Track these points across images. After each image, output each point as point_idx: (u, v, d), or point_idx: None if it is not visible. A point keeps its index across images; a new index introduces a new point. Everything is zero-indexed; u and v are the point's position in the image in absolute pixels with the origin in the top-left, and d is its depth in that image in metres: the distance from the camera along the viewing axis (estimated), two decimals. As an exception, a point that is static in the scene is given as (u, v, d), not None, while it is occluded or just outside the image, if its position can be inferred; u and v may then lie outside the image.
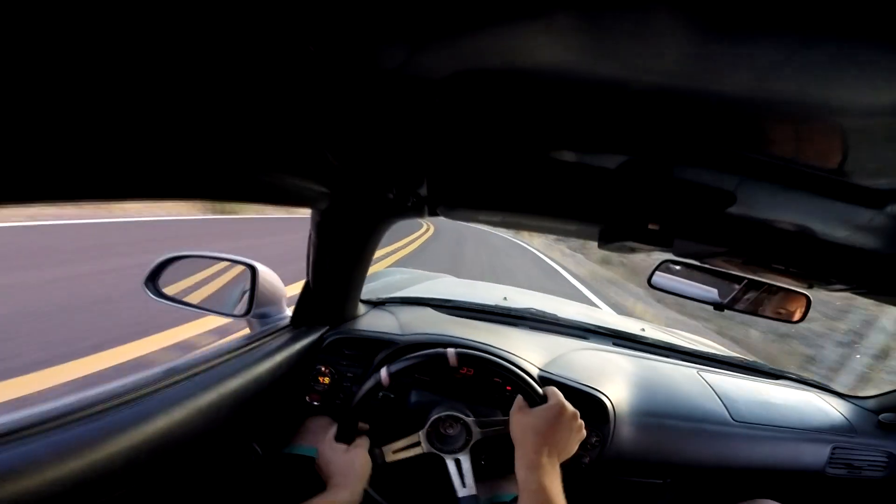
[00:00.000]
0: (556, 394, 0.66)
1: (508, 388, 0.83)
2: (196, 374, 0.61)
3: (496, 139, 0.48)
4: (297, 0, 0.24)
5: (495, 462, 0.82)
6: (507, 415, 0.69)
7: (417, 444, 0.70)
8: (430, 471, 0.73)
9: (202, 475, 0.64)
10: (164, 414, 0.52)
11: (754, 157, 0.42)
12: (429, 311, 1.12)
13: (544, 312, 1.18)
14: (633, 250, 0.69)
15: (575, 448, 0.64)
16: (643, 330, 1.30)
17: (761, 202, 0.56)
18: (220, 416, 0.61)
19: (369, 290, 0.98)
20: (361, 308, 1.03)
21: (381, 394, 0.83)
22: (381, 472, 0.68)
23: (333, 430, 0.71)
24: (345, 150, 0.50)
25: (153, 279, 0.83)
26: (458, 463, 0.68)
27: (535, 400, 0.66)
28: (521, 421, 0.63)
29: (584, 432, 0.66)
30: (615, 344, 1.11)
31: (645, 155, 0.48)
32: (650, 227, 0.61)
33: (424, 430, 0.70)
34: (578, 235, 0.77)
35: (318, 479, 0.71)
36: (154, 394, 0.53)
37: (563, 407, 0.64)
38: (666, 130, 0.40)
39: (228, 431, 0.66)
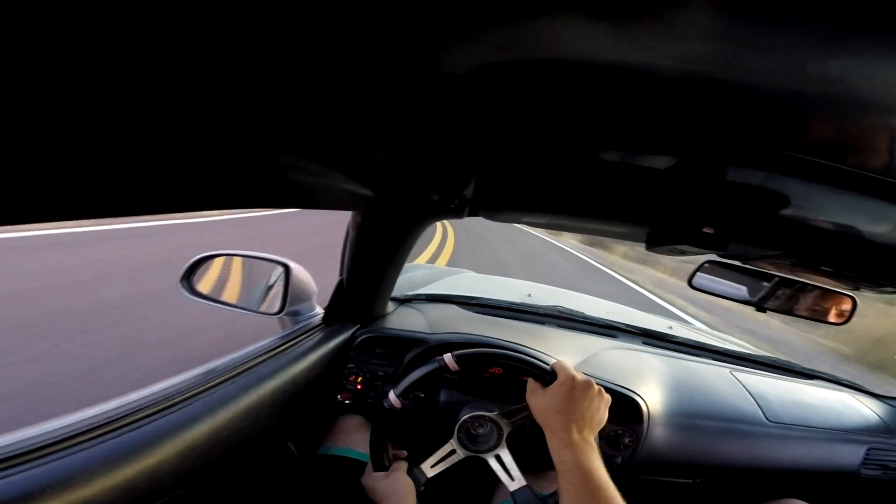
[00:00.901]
0: (563, 368, 0.63)
1: (525, 378, 0.82)
2: (237, 376, 0.61)
3: (544, 139, 0.47)
4: None
5: (533, 457, 0.82)
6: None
7: (453, 451, 0.68)
8: (467, 477, 0.73)
9: (242, 477, 0.64)
10: (209, 417, 0.52)
11: (806, 157, 0.40)
12: (455, 308, 1.11)
13: (572, 311, 1.16)
14: (682, 253, 0.67)
15: (604, 415, 0.61)
16: (671, 328, 1.28)
17: (813, 204, 0.54)
18: (260, 417, 0.61)
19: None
20: (389, 305, 1.02)
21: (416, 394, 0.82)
22: (432, 487, 0.68)
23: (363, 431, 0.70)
24: (397, 151, 0.48)
25: (188, 278, 0.82)
26: (499, 459, 0.67)
27: (545, 379, 0.64)
28: (539, 403, 0.61)
29: (607, 396, 0.62)
30: (644, 343, 1.10)
31: (695, 155, 0.46)
32: (705, 230, 0.59)
33: (455, 436, 0.69)
34: (626, 238, 0.75)
35: (349, 480, 0.71)
36: (198, 397, 0.53)
37: (573, 378, 0.61)
38: (715, 130, 0.39)
39: (268, 432, 0.66)
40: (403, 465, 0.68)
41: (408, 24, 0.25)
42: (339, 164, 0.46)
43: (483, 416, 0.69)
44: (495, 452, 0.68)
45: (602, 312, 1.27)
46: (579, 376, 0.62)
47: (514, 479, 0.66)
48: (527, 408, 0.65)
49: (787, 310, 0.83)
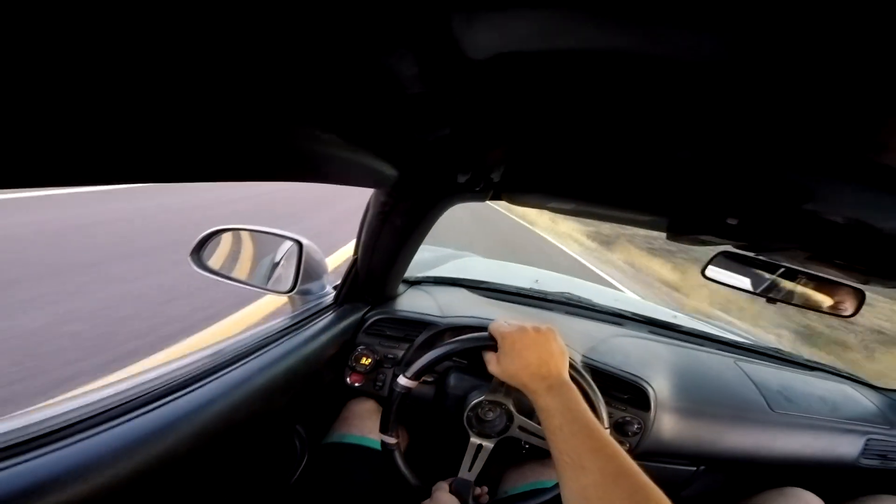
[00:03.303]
0: (496, 328, 0.60)
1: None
2: (252, 356, 0.60)
3: (573, 127, 0.46)
4: None
5: (535, 447, 0.83)
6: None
7: (480, 447, 0.67)
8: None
9: (252, 459, 0.64)
10: (224, 399, 0.51)
11: (827, 151, 0.40)
12: (464, 292, 1.11)
13: (580, 298, 1.17)
14: (704, 243, 0.67)
15: (561, 346, 0.59)
16: (675, 317, 1.30)
17: (833, 197, 0.54)
18: (274, 398, 0.61)
19: None
20: (399, 287, 1.02)
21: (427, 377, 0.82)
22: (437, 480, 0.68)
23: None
24: (430, 131, 0.47)
25: (198, 252, 0.81)
26: (522, 429, 0.67)
27: (491, 347, 0.61)
28: (500, 371, 0.58)
29: (552, 330, 0.60)
30: (651, 331, 1.11)
31: (720, 147, 0.45)
32: (729, 221, 0.59)
33: (471, 434, 0.68)
34: (648, 226, 0.75)
35: (365, 468, 0.71)
36: (213, 378, 0.52)
37: (509, 334, 0.58)
38: (740, 122, 0.38)
39: (280, 414, 0.66)
40: (444, 486, 0.66)
41: (452, 7, 0.24)
42: (369, 141, 0.45)
43: (482, 402, 0.69)
44: (515, 426, 0.67)
45: (609, 300, 1.28)
46: (512, 328, 0.59)
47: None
48: (497, 379, 0.64)
49: (795, 301, 0.84)
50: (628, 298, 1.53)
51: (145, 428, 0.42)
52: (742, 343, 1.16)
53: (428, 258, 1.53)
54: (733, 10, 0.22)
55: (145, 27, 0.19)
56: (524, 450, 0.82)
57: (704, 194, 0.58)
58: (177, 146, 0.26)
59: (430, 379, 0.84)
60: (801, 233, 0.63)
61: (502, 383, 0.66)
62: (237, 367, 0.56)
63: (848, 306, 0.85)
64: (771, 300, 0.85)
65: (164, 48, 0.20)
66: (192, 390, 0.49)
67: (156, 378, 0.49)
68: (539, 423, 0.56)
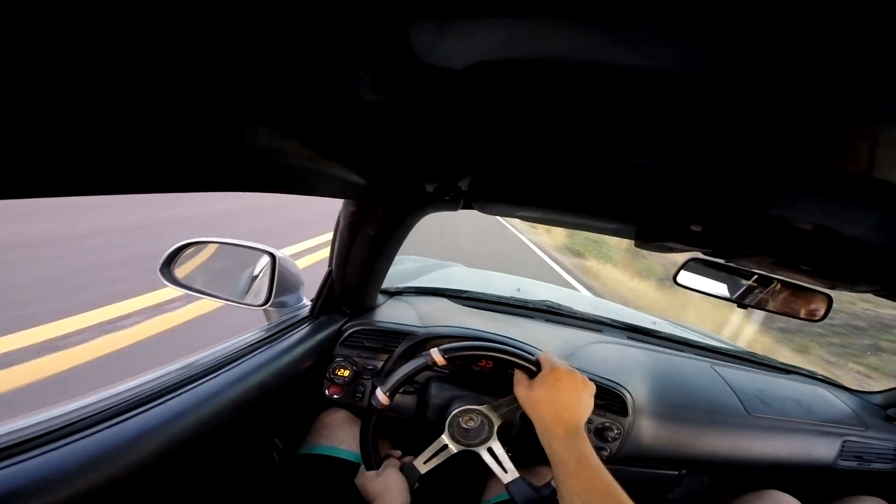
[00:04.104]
0: (548, 359, 0.64)
1: (511, 370, 0.83)
2: (222, 369, 0.60)
3: (540, 135, 0.47)
4: None
5: (527, 449, 0.83)
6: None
7: (445, 446, 0.69)
8: (460, 472, 0.73)
9: (227, 472, 0.63)
10: (194, 412, 0.51)
11: (791, 158, 0.41)
12: (446, 301, 1.10)
13: (560, 305, 1.17)
14: (671, 250, 0.68)
15: (591, 403, 0.62)
16: (654, 323, 1.31)
17: (796, 204, 0.55)
18: (246, 411, 0.60)
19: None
20: (379, 298, 1.01)
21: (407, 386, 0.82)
22: (423, 484, 0.67)
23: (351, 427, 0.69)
24: (392, 142, 0.47)
25: (168, 265, 0.80)
26: (491, 452, 0.68)
27: (531, 370, 0.64)
28: (528, 396, 0.61)
29: (591, 384, 0.63)
30: (629, 337, 1.12)
31: (686, 154, 0.46)
32: (693, 228, 0.60)
33: (445, 431, 0.69)
34: (616, 234, 0.76)
35: (337, 479, 0.70)
36: (182, 391, 0.52)
37: (558, 369, 0.61)
38: (704, 130, 0.39)
39: (254, 427, 0.65)
40: (396, 463, 0.67)
41: (409, 17, 0.25)
42: (334, 151, 0.45)
43: (473, 410, 0.70)
44: (487, 445, 0.68)
45: (589, 307, 1.28)
46: (564, 366, 0.62)
47: (507, 471, 0.66)
48: (515, 400, 0.66)
49: (766, 307, 0.86)
50: (608, 305, 1.55)
51: (112, 441, 0.41)
52: (719, 348, 1.18)
53: (411, 268, 1.52)
54: (696, 22, 0.22)
55: (100, 43, 0.19)
56: (509, 455, 0.82)
57: (669, 202, 0.59)
58: (136, 157, 0.25)
59: (411, 389, 0.84)
60: (765, 239, 0.65)
61: (511, 405, 0.67)
62: (207, 381, 0.56)
63: (816, 311, 0.87)
64: (742, 305, 0.86)
65: (126, 61, 0.20)
66: (161, 403, 0.48)
67: (123, 391, 0.48)
68: (507, 459, 0.65)
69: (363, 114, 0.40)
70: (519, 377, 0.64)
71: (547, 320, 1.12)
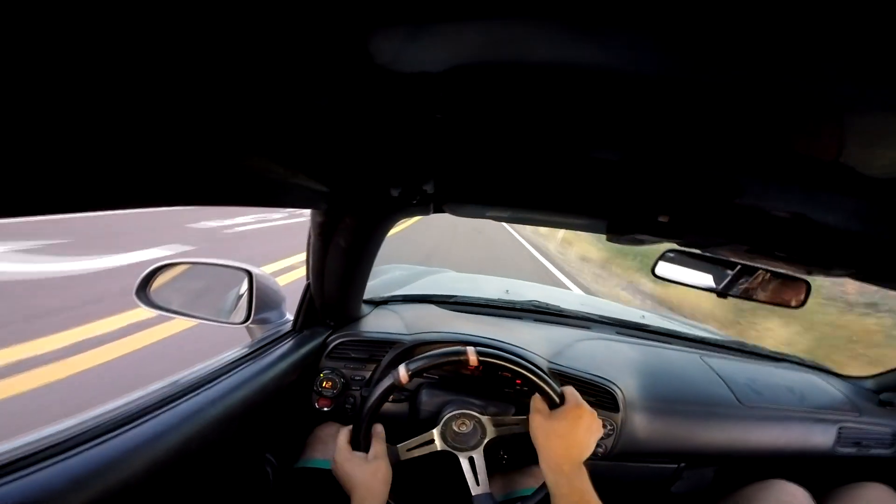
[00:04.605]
0: (573, 394, 0.66)
1: (518, 381, 0.83)
2: (202, 388, 0.60)
3: (502, 134, 0.47)
4: None
5: (513, 456, 0.82)
6: (522, 412, 0.69)
7: (431, 441, 0.69)
8: (444, 469, 0.73)
9: (218, 489, 0.62)
10: (175, 432, 0.50)
11: (756, 147, 0.42)
12: (432, 307, 1.10)
13: (547, 304, 1.17)
14: (641, 242, 0.68)
15: (593, 446, 0.64)
16: (643, 317, 1.31)
17: (765, 193, 0.56)
18: (231, 428, 0.60)
19: (370, 288, 0.96)
20: (364, 308, 1.01)
21: (397, 393, 0.82)
22: (396, 470, 0.67)
23: (345, 435, 0.69)
24: (349, 147, 0.47)
25: (144, 288, 0.79)
26: (471, 461, 0.68)
27: (554, 402, 0.65)
28: (543, 425, 0.63)
29: (602, 431, 0.66)
30: (618, 333, 1.12)
31: (650, 147, 0.47)
32: (660, 219, 0.61)
33: (438, 427, 0.69)
34: (587, 229, 0.76)
35: (333, 492, 0.70)
36: (162, 411, 0.52)
37: (582, 406, 0.64)
38: (668, 123, 0.40)
39: (241, 443, 0.65)
40: (384, 451, 0.68)
41: (368, 25, 0.25)
42: (292, 160, 0.45)
43: (471, 416, 0.70)
44: (470, 454, 0.68)
45: (577, 305, 1.29)
46: (587, 407, 0.64)
47: (479, 483, 0.66)
48: (521, 422, 0.67)
49: (746, 296, 0.86)
50: (596, 302, 1.55)
51: (93, 462, 0.41)
52: (707, 338, 1.18)
53: (398, 277, 1.52)
54: (656, 19, 0.23)
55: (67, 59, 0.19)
56: (504, 460, 0.82)
57: (635, 194, 0.59)
58: (95, 173, 0.25)
59: (401, 396, 0.83)
60: (735, 228, 0.65)
61: (516, 425, 0.68)
62: (189, 399, 0.56)
63: (795, 298, 0.88)
64: (721, 295, 0.87)
65: (95, 74, 0.21)
66: (142, 423, 0.48)
67: (103, 412, 0.48)
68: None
69: (319, 118, 0.40)
70: (538, 405, 0.65)
71: (535, 320, 1.12)
